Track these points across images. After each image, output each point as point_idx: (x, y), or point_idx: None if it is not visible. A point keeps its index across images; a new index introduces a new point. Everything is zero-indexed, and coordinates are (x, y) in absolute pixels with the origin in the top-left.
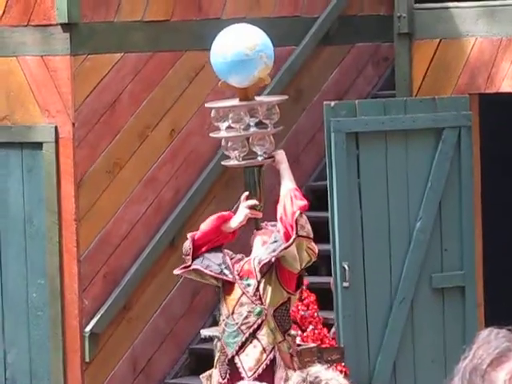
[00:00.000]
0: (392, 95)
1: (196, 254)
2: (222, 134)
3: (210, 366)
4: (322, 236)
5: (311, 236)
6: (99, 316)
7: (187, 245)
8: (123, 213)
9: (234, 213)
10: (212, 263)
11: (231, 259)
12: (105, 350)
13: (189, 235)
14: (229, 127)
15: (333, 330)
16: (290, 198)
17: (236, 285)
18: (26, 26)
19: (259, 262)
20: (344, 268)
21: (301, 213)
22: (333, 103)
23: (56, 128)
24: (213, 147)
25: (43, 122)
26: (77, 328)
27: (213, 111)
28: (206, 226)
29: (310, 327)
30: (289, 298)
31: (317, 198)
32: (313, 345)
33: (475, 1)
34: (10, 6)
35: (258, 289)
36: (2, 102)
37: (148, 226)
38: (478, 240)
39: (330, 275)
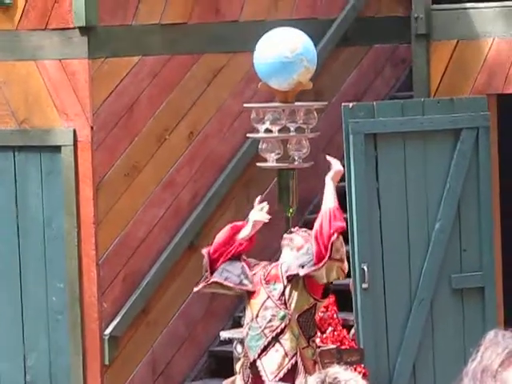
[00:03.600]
0: (410, 96)
1: (214, 267)
2: (260, 135)
3: (230, 368)
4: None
5: (344, 259)
6: (118, 319)
7: (205, 261)
8: (142, 216)
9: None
10: (231, 274)
11: (253, 266)
12: (124, 353)
13: (204, 251)
14: (267, 130)
15: (352, 331)
16: (328, 217)
17: (262, 289)
18: (43, 29)
19: (286, 271)
20: (363, 269)
21: (338, 235)
22: (351, 104)
23: (74, 131)
24: (231, 150)
25: (61, 126)
26: (96, 331)
27: (253, 113)
28: (219, 237)
29: (330, 329)
30: (314, 305)
31: None
32: (332, 346)
33: (493, 1)
34: (27, 10)
35: (283, 293)
36: (20, 106)
37: (166, 229)
38: (496, 240)
39: (349, 276)
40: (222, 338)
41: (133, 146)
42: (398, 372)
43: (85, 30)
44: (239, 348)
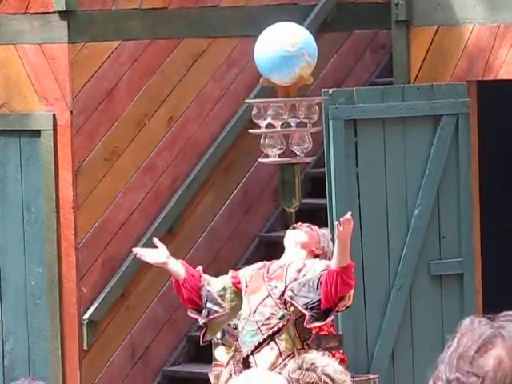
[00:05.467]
0: (390, 82)
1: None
2: (262, 130)
3: (209, 353)
4: (321, 223)
5: (350, 303)
6: (97, 304)
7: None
8: (121, 200)
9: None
10: (207, 308)
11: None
12: (103, 338)
13: (190, 313)
14: (268, 125)
15: (331, 317)
16: (336, 279)
17: (264, 286)
18: (23, 13)
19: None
20: None
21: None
22: (331, 90)
23: (54, 116)
24: (211, 134)
25: (41, 110)
26: (75, 316)
27: (254, 108)
28: (179, 295)
29: None
30: None
31: (315, 185)
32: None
33: None
34: None
35: (283, 293)
36: (0, 90)
37: (146, 214)
38: (476, 227)
39: None
40: (200, 323)
41: (112, 131)
42: (377, 358)
43: (65, 15)
44: (225, 341)
